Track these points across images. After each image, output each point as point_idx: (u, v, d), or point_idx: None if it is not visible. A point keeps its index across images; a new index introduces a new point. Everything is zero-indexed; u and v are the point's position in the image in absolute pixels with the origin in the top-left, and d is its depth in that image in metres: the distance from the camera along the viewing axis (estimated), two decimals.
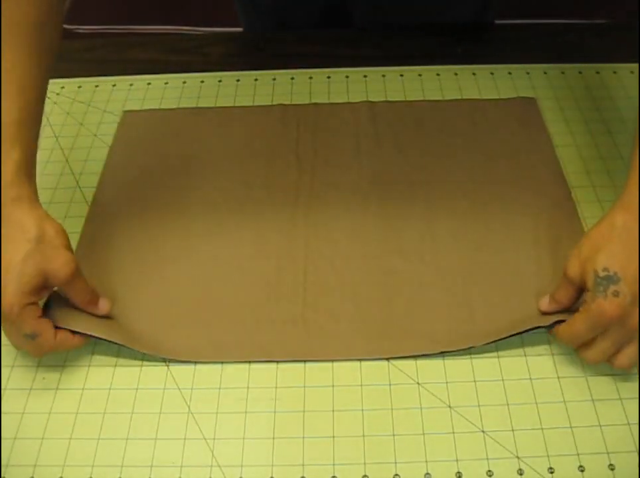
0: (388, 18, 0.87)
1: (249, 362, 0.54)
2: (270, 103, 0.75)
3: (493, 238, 0.60)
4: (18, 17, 0.51)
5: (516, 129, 0.70)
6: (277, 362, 0.54)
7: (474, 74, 0.78)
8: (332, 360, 0.54)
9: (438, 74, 0.78)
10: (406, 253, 0.59)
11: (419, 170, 0.66)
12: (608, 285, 0.46)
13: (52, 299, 0.53)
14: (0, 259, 0.48)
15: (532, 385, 0.52)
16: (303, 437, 0.50)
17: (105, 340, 0.53)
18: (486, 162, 0.67)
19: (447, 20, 0.87)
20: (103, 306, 0.54)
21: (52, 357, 0.54)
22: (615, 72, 0.78)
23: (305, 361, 0.54)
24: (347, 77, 0.78)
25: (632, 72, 0.77)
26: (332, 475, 0.48)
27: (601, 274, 0.47)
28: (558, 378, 0.52)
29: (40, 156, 0.70)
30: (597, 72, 0.78)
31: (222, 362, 0.54)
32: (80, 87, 0.79)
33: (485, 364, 0.53)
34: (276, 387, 0.52)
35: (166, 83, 0.79)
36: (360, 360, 0.54)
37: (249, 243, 0.61)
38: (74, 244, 0.61)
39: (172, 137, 0.71)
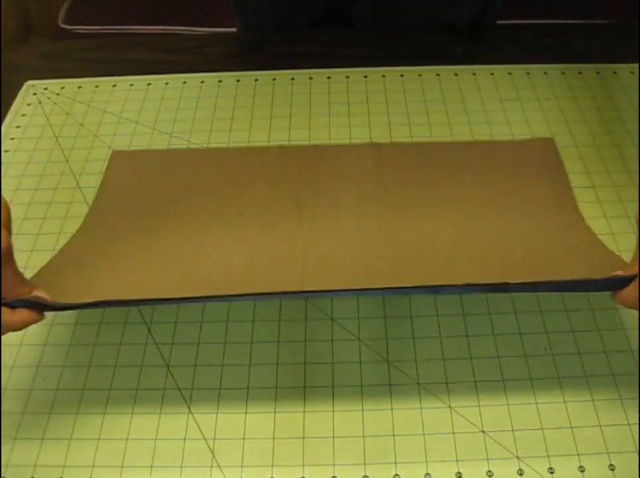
0: (388, 19, 0.87)
1: (250, 364, 0.54)
2: (270, 103, 0.75)
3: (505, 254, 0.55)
4: None
5: (534, 176, 0.64)
6: (277, 364, 0.54)
7: (474, 74, 0.78)
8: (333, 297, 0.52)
9: (438, 74, 0.78)
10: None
11: (426, 222, 0.60)
12: None
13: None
14: None
15: (532, 385, 0.52)
16: (303, 437, 0.50)
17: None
18: (499, 216, 0.60)
19: (447, 20, 0.87)
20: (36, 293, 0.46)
21: (53, 357, 0.54)
22: (615, 72, 0.78)
23: (305, 363, 0.54)
24: (347, 77, 0.78)
25: (632, 72, 0.77)
26: (332, 475, 0.48)
27: None
28: (558, 378, 0.52)
29: (40, 156, 0.71)
30: (597, 72, 0.78)
31: (222, 365, 0.54)
32: (80, 87, 0.79)
33: (486, 364, 0.53)
34: (276, 387, 0.52)
35: (166, 83, 0.79)
36: (360, 361, 0.54)
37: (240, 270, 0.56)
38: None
39: (162, 180, 0.67)
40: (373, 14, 0.89)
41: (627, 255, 0.60)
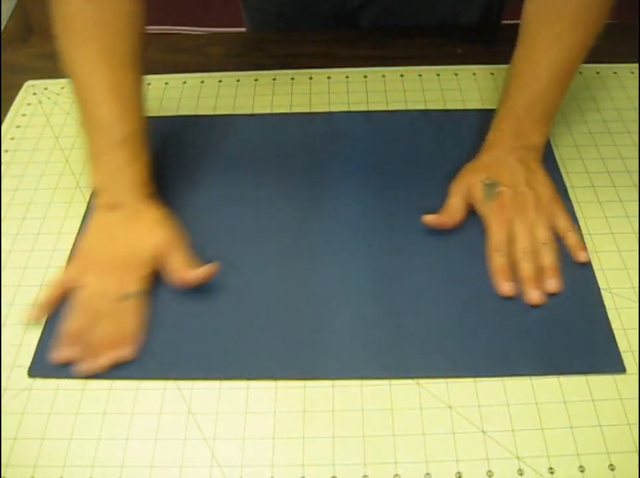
0: (396, 21, 0.87)
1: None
2: (270, 104, 0.75)
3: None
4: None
5: None
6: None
7: (474, 74, 0.78)
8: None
9: (438, 74, 0.78)
10: None
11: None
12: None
13: None
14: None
15: (532, 385, 0.52)
16: (303, 437, 0.50)
17: None
18: None
19: (454, 22, 0.87)
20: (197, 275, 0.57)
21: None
22: (615, 72, 0.78)
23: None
24: (347, 77, 0.78)
25: (632, 72, 0.78)
26: (333, 475, 0.48)
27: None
28: (558, 378, 0.52)
29: (40, 156, 0.71)
30: (597, 72, 0.78)
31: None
32: None
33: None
34: (276, 387, 0.52)
35: (166, 83, 0.79)
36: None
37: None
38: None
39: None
40: (383, 17, 0.88)
41: (627, 255, 0.60)
